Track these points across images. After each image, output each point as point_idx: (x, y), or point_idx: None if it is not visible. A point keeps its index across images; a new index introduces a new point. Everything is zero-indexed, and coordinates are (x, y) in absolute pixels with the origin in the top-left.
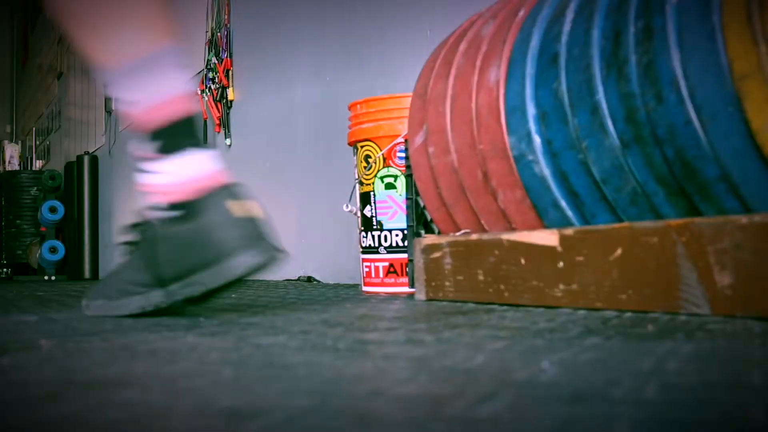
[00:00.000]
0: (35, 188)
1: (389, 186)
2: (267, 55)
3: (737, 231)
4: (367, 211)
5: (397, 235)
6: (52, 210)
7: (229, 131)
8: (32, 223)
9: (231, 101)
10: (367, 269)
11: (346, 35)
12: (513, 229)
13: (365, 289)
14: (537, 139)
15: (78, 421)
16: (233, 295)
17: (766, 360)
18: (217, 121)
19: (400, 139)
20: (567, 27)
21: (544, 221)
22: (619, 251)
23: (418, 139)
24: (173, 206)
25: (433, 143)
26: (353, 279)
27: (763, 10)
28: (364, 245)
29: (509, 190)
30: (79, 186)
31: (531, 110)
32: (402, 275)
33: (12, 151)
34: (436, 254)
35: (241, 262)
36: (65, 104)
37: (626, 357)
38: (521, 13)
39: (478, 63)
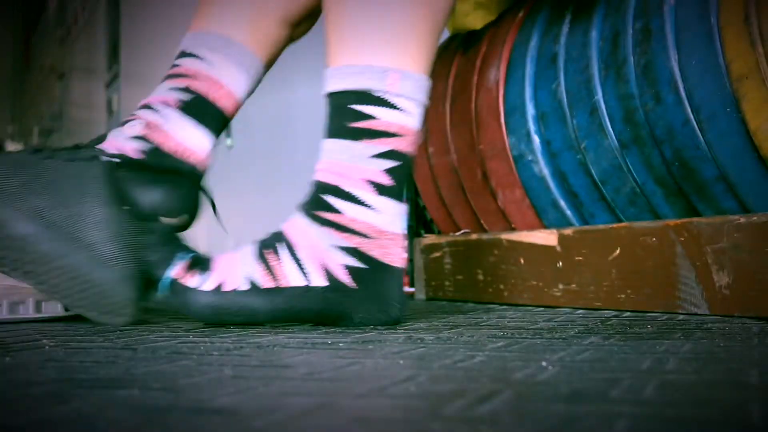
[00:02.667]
0: None
1: None
2: None
3: (735, 231)
4: None
5: None
6: None
7: (229, 131)
8: None
9: None
10: None
11: None
12: (512, 229)
13: None
14: (536, 140)
15: (79, 420)
16: None
17: (764, 359)
18: None
19: None
20: (566, 28)
21: (543, 221)
22: (617, 251)
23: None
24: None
25: (432, 143)
26: None
27: (761, 12)
28: None
29: (509, 190)
30: None
31: (530, 110)
32: None
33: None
34: (436, 254)
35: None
36: (67, 104)
37: (625, 356)
38: (520, 14)
39: (478, 63)
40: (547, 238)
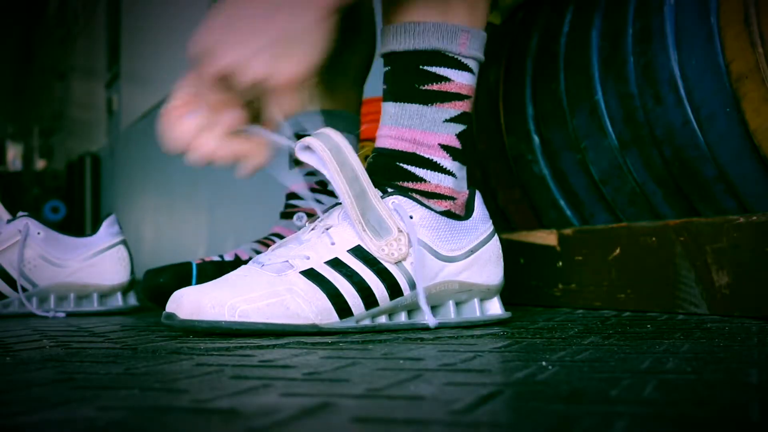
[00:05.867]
0: (37, 188)
1: None
2: None
3: (735, 231)
4: None
5: None
6: (54, 210)
7: None
8: None
9: None
10: None
11: None
12: (512, 229)
13: None
14: (536, 139)
15: (79, 419)
16: None
17: (763, 359)
18: None
19: None
20: (566, 28)
21: (542, 221)
22: (617, 251)
23: None
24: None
25: None
26: None
27: (761, 12)
28: None
29: (508, 189)
30: (81, 186)
31: (530, 110)
32: None
33: (14, 151)
34: None
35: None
36: (67, 104)
37: (625, 356)
38: (520, 14)
39: None
40: (546, 237)
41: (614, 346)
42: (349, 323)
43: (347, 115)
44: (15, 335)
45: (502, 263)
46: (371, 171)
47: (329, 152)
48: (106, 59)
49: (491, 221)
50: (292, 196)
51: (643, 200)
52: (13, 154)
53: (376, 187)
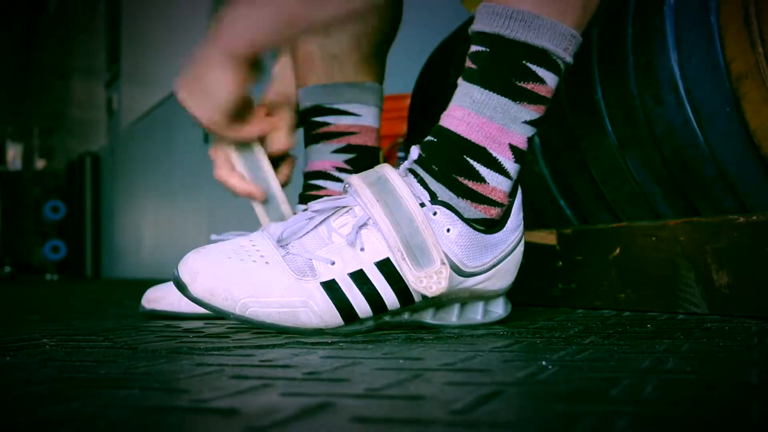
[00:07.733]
0: (37, 188)
1: None
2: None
3: (735, 230)
4: None
5: None
6: (54, 210)
7: None
8: (34, 222)
9: None
10: None
11: None
12: None
13: None
14: (536, 139)
15: (79, 419)
16: None
17: (763, 358)
18: None
19: (400, 139)
20: None
21: (542, 220)
22: (617, 250)
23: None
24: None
25: None
26: None
27: (760, 12)
28: None
29: None
30: (81, 186)
31: None
32: None
33: (14, 151)
34: None
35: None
36: (67, 104)
37: (625, 356)
38: None
39: None
40: (546, 237)
41: (614, 346)
42: (353, 327)
43: (370, 86)
44: (16, 334)
45: (519, 266)
46: (435, 154)
47: (368, 186)
48: (106, 59)
49: (522, 225)
50: (315, 175)
51: (643, 200)
52: (13, 154)
53: (432, 176)
